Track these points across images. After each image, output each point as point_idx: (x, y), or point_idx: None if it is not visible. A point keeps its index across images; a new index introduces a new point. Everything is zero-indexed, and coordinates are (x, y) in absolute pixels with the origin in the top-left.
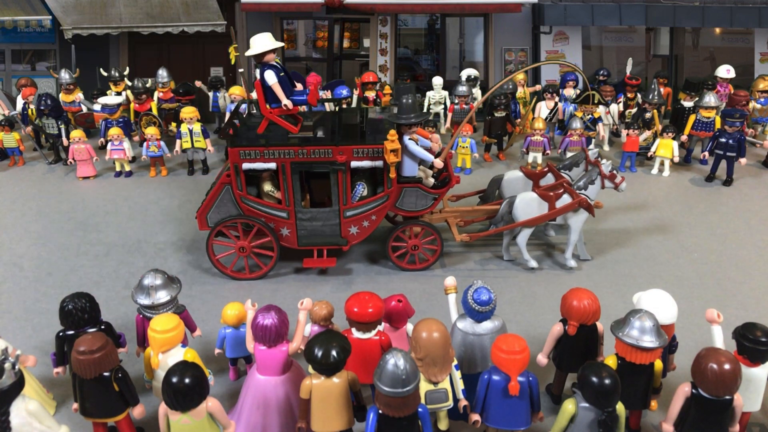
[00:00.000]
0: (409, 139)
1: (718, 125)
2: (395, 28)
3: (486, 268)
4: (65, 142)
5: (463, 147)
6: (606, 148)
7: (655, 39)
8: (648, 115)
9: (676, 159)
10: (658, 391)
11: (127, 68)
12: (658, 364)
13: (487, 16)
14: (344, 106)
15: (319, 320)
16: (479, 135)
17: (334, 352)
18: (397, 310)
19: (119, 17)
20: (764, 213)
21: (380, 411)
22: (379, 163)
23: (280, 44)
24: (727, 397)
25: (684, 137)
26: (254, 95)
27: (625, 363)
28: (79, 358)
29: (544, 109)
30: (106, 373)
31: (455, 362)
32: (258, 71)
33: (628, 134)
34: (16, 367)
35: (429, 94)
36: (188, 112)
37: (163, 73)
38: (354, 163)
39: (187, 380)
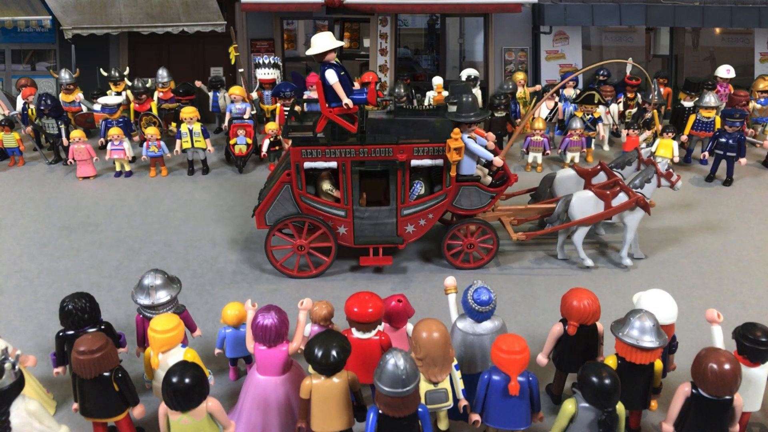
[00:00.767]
0: (468, 137)
1: (718, 125)
2: (395, 28)
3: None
4: (65, 142)
5: None
6: (606, 148)
7: (655, 39)
8: (648, 115)
9: (676, 159)
10: (658, 391)
11: (127, 68)
12: (658, 364)
13: (487, 16)
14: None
15: (319, 320)
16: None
17: (334, 352)
18: (397, 310)
19: (119, 17)
20: (764, 213)
21: (380, 411)
22: (439, 162)
23: (341, 43)
24: (727, 397)
25: (684, 137)
26: (254, 95)
27: (625, 363)
28: (79, 358)
29: (544, 109)
30: (106, 373)
31: (455, 362)
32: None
33: (628, 134)
34: (16, 367)
35: (429, 94)
36: (188, 112)
37: (163, 73)
38: (414, 162)
39: (187, 380)
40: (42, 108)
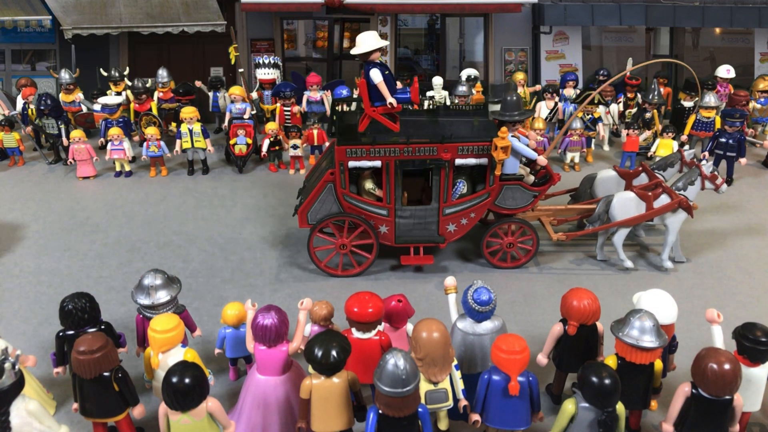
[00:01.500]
0: (512, 136)
1: (718, 125)
2: (395, 28)
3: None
4: (65, 142)
5: None
6: (606, 148)
7: (655, 39)
8: (648, 115)
9: None
10: (658, 391)
11: (127, 68)
12: (658, 364)
13: (487, 16)
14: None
15: (319, 320)
16: None
17: (334, 352)
18: (397, 310)
19: (119, 17)
20: (764, 213)
21: (380, 411)
22: (483, 161)
23: (386, 43)
24: (727, 397)
25: (684, 137)
26: (254, 95)
27: (625, 363)
28: (79, 358)
29: (544, 109)
30: (106, 373)
31: (455, 362)
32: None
33: (628, 134)
34: (16, 367)
35: (429, 94)
36: (188, 112)
37: (163, 73)
38: (458, 161)
39: (187, 380)
40: (42, 108)
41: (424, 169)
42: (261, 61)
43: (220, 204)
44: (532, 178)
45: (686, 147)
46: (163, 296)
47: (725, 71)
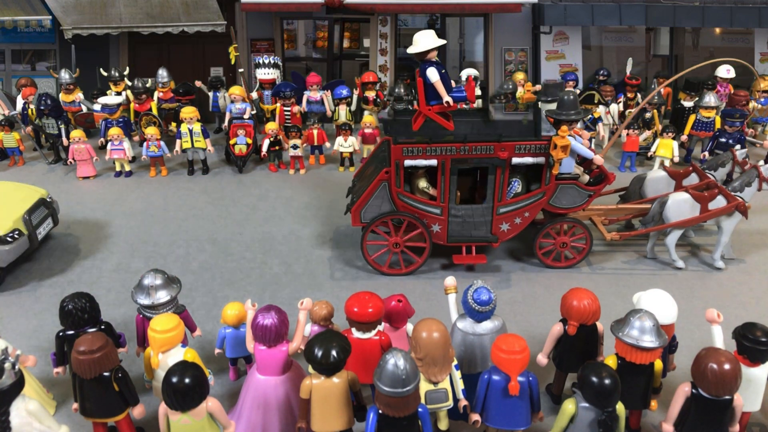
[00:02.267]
0: (569, 135)
1: (718, 125)
2: (395, 28)
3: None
4: (65, 142)
5: None
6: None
7: (655, 39)
8: (648, 115)
9: (676, 159)
10: (658, 391)
11: (127, 68)
12: (658, 364)
13: (487, 16)
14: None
15: (319, 320)
16: None
17: (334, 352)
18: (397, 310)
19: (119, 17)
20: (764, 213)
21: (380, 411)
22: (540, 160)
23: (443, 42)
24: (727, 397)
25: (684, 137)
26: (254, 95)
27: (625, 363)
28: (79, 358)
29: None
30: (106, 373)
31: (455, 362)
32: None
33: (628, 134)
34: (16, 367)
35: None
36: (188, 112)
37: (163, 73)
38: (515, 160)
39: (187, 380)
40: (42, 108)
41: (473, 168)
42: (261, 61)
43: (220, 204)
44: (586, 177)
45: (689, 147)
46: (163, 296)
47: (725, 71)
